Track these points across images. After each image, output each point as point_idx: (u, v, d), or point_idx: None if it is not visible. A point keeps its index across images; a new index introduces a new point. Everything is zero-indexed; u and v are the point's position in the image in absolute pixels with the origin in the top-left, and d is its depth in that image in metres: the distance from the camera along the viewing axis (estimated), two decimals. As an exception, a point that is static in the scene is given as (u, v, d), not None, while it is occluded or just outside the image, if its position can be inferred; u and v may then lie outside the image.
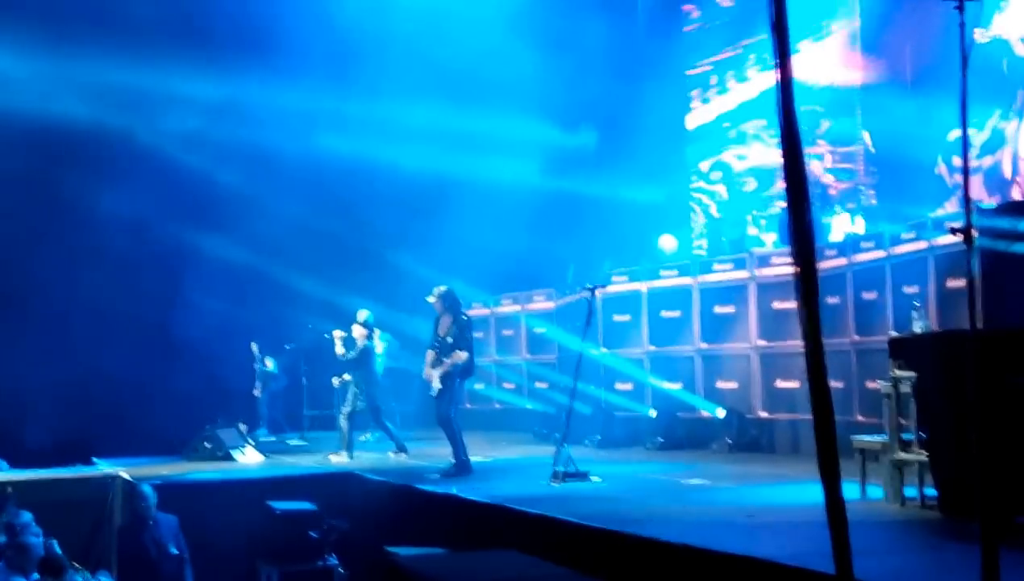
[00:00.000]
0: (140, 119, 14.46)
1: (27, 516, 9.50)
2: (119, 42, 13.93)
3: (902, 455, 7.07)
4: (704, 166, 15.69)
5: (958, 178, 11.30)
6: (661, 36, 15.94)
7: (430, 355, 10.39)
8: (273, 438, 14.94)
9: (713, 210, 15.51)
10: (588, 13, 15.33)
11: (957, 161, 11.31)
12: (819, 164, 13.30)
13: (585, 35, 15.00)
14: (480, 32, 14.89)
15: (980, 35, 3.57)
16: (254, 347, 15.61)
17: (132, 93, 14.16)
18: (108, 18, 14.02)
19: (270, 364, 15.68)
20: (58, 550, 9.47)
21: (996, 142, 10.97)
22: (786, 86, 3.28)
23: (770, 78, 3.38)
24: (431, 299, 10.51)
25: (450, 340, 10.29)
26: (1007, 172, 10.91)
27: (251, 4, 14.91)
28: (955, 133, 11.18)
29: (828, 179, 13.48)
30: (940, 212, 10.63)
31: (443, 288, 10.51)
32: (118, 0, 14.22)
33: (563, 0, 15.49)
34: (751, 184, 14.87)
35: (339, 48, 15.05)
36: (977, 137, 10.89)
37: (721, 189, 15.43)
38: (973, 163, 10.75)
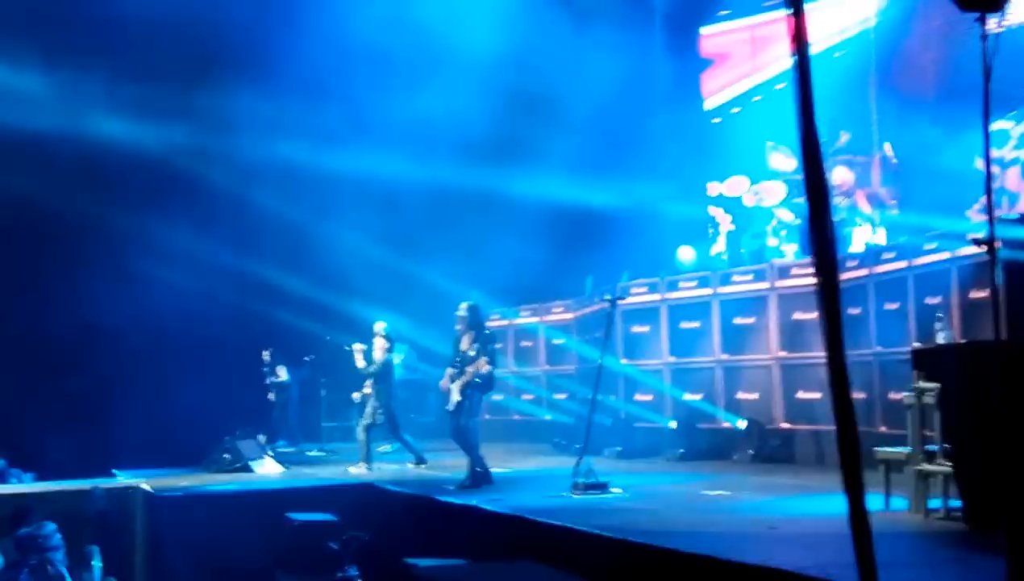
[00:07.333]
0: (150, 132, 14.53)
1: (51, 527, 9.55)
2: (149, 62, 14.07)
3: (926, 466, 7.01)
4: (723, 179, 15.59)
5: (996, 170, 11.15)
6: (678, 51, 15.93)
7: (450, 371, 10.41)
8: (292, 449, 14.96)
9: (730, 221, 15.42)
10: (605, 29, 15.32)
11: (994, 153, 11.14)
12: (846, 170, 13.09)
13: (599, 46, 14.98)
14: (496, 43, 14.89)
15: (995, 25, 3.51)
16: (266, 355, 15.62)
17: (140, 102, 14.26)
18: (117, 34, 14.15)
19: (282, 374, 15.69)
20: (99, 560, 9.49)
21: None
22: (805, 95, 3.26)
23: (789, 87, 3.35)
24: (459, 314, 10.49)
25: (471, 354, 10.30)
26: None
27: (258, 21, 14.95)
28: (996, 125, 10.99)
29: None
30: (976, 207, 10.40)
31: (468, 304, 10.52)
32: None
33: (582, 15, 15.46)
34: (770, 195, 14.75)
35: (353, 59, 15.07)
36: (1015, 129, 10.69)
37: (742, 199, 15.34)
38: (1011, 153, 10.60)
